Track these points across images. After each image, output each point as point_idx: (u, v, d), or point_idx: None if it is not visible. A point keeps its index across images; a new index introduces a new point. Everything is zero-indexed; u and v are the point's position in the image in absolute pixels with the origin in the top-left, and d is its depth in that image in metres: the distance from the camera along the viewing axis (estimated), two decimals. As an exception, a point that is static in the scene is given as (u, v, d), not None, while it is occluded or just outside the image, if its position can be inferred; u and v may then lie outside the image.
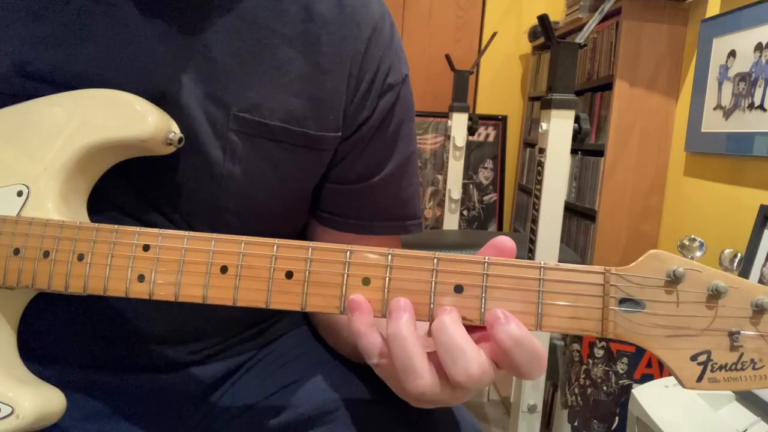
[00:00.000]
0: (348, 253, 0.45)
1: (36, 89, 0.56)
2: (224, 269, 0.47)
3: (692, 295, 0.42)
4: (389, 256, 0.45)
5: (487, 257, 0.44)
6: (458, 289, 0.43)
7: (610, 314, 0.42)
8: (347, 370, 0.66)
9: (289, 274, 0.46)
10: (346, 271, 0.45)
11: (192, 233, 0.48)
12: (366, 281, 0.45)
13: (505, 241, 0.45)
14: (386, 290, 0.44)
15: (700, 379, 0.41)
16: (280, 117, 0.61)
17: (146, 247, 0.48)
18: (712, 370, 0.41)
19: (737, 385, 0.41)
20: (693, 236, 0.41)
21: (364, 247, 0.46)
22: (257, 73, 0.60)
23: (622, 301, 0.42)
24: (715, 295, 0.41)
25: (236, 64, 0.59)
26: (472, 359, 0.41)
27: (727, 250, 0.41)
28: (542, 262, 0.43)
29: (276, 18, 0.61)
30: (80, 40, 0.56)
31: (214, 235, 0.48)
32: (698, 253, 0.41)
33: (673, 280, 0.41)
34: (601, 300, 0.42)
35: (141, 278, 0.48)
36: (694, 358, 0.41)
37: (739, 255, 0.40)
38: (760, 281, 1.47)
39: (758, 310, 0.41)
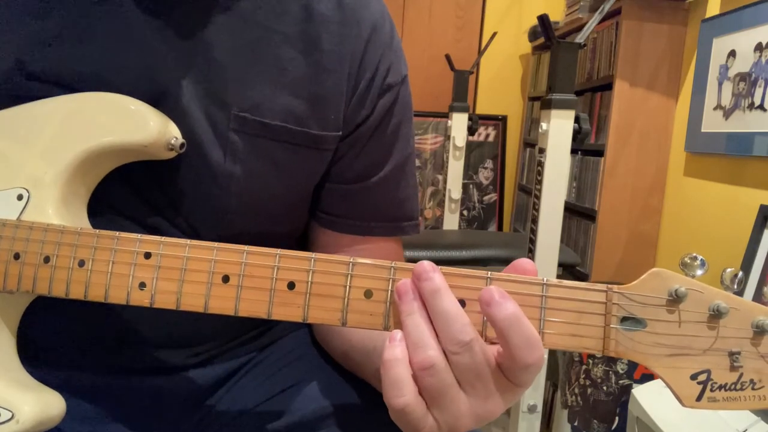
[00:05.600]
0: (350, 265, 0.45)
1: (37, 89, 0.56)
2: (226, 279, 0.47)
3: (693, 314, 0.42)
4: (392, 269, 0.45)
5: (490, 273, 0.44)
6: (461, 303, 0.43)
7: (612, 332, 0.42)
8: (345, 374, 0.66)
9: (291, 285, 0.46)
10: (348, 284, 0.45)
11: (194, 242, 0.48)
12: (368, 294, 0.45)
13: (527, 264, 0.45)
14: (388, 303, 0.45)
15: (699, 398, 0.41)
16: (280, 117, 0.61)
17: (148, 255, 0.48)
18: (711, 390, 0.41)
19: (736, 404, 0.41)
20: (695, 254, 0.41)
21: (367, 258, 0.46)
22: (258, 72, 0.60)
23: (624, 320, 0.42)
24: (716, 315, 0.41)
25: (237, 63, 0.59)
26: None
27: (729, 269, 0.41)
28: (545, 279, 0.43)
29: (276, 17, 0.61)
30: (82, 40, 0.56)
31: (216, 244, 0.47)
32: (699, 272, 0.42)
33: (675, 299, 0.41)
34: (602, 318, 0.43)
35: (142, 286, 0.48)
36: (694, 377, 0.41)
37: (740, 274, 0.40)
38: (759, 286, 1.47)
39: (759, 331, 0.41)
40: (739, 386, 0.41)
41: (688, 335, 0.42)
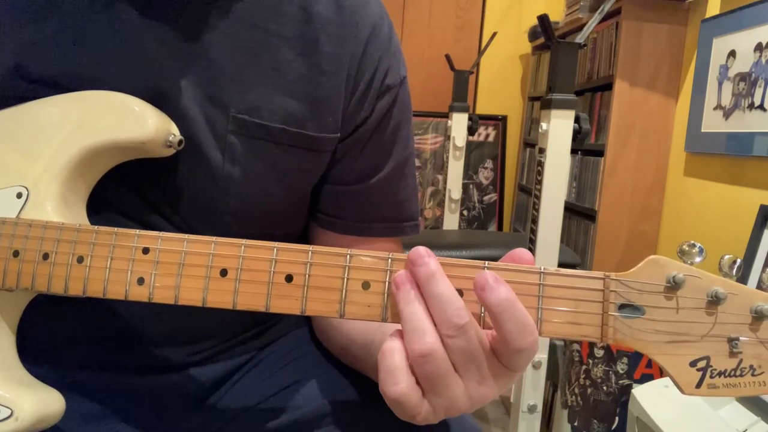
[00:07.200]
0: (348, 257, 0.45)
1: (35, 92, 0.56)
2: (224, 272, 0.47)
3: (692, 301, 0.42)
4: (389, 260, 0.45)
5: (486, 262, 0.43)
6: (458, 293, 0.43)
7: (610, 320, 0.42)
8: (346, 372, 0.66)
9: (288, 278, 0.46)
10: (346, 275, 0.45)
11: (192, 236, 0.48)
12: (366, 285, 0.45)
13: (523, 254, 0.45)
14: (386, 294, 0.45)
15: (699, 385, 0.41)
16: (279, 118, 0.61)
17: (146, 250, 0.48)
18: (711, 376, 0.41)
19: (736, 391, 0.41)
20: (693, 242, 0.41)
21: (364, 251, 0.46)
22: (256, 74, 0.60)
23: (622, 307, 0.42)
24: (714, 302, 0.41)
25: (235, 65, 0.59)
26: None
27: (727, 256, 0.41)
28: (542, 268, 0.43)
29: (274, 19, 0.61)
30: (80, 42, 0.56)
31: (214, 238, 0.47)
32: (698, 259, 0.41)
33: (673, 286, 0.41)
34: (600, 306, 0.42)
35: (140, 281, 0.48)
36: (693, 364, 0.41)
37: (738, 261, 0.40)
38: (759, 285, 1.47)
39: (758, 317, 0.41)
40: (738, 372, 0.40)
41: (687, 322, 0.42)
